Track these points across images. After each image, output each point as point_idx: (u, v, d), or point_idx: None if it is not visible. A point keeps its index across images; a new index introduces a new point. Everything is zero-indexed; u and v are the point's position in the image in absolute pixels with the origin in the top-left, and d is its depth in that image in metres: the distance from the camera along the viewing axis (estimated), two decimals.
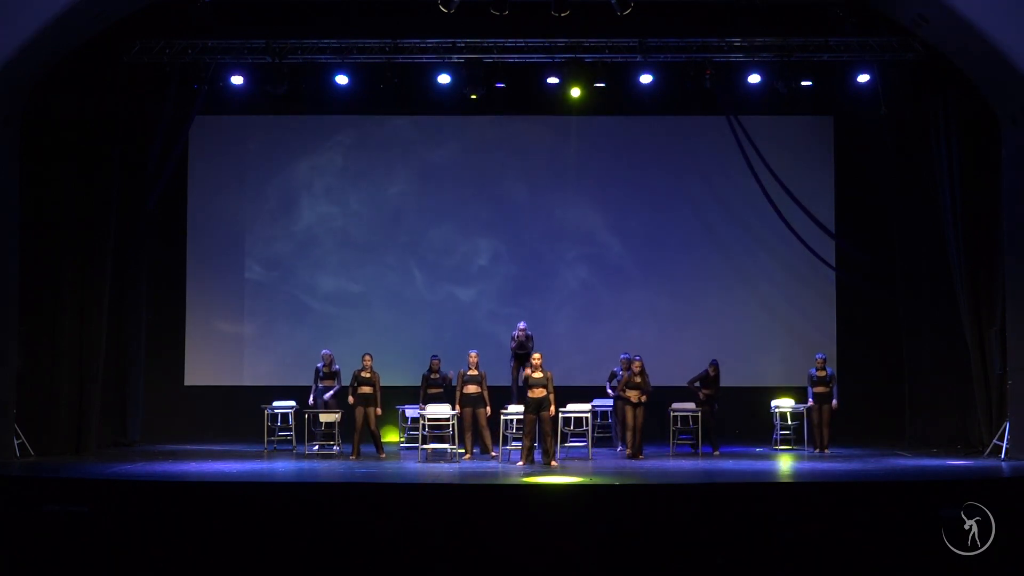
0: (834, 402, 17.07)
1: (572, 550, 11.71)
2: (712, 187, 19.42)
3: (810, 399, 17.12)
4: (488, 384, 16.20)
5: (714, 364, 17.25)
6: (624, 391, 16.28)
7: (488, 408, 16.06)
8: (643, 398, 16.15)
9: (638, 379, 16.19)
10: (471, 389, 16.02)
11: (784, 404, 17.51)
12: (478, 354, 16.25)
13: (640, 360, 16.37)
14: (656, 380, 16.57)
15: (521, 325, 17.50)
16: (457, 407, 16.01)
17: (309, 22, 17.48)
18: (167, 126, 17.69)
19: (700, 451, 16.69)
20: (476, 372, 16.08)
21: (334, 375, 17.20)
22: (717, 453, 16.76)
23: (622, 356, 17.05)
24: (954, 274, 16.94)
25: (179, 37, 17.09)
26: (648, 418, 16.31)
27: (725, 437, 17.55)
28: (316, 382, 17.22)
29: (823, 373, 17.06)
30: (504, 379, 17.37)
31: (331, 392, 17.13)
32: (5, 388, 15.40)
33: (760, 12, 16.59)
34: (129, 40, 16.98)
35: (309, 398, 17.22)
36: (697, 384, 17.18)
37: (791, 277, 19.35)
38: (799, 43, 17.17)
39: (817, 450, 16.96)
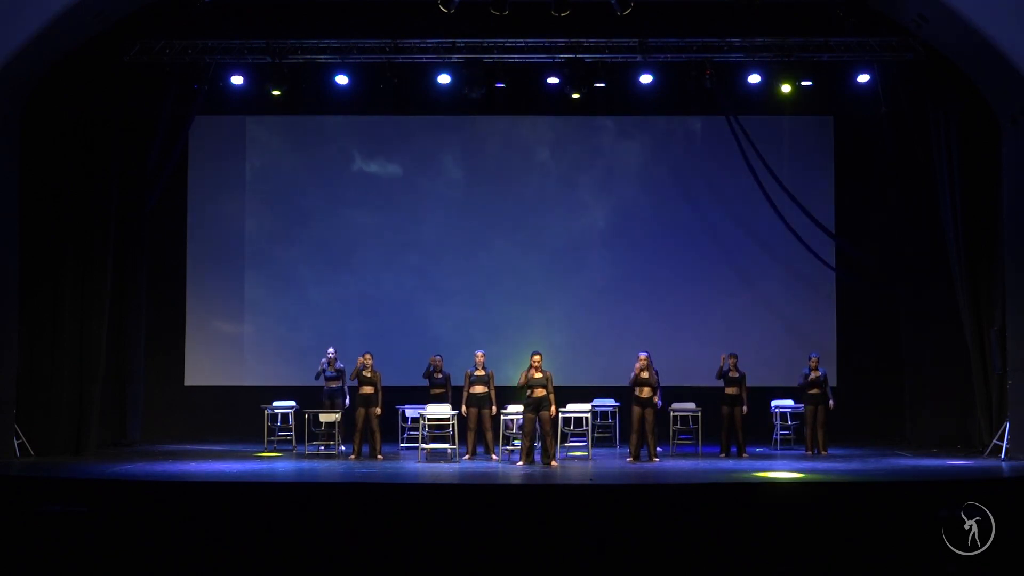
0: (831, 402, 17.04)
1: (572, 550, 11.70)
2: (712, 187, 19.42)
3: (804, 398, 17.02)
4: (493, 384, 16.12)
5: (730, 356, 16.73)
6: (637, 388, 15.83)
7: (494, 408, 16.01)
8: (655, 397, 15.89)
9: (645, 374, 15.86)
10: (478, 389, 15.93)
11: (784, 404, 17.50)
12: (484, 354, 16.19)
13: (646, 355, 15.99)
14: None
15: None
16: (463, 407, 15.99)
17: (309, 22, 17.46)
18: (167, 126, 17.73)
19: (701, 451, 16.70)
20: (483, 372, 16.00)
21: (339, 373, 17.16)
22: (745, 455, 16.48)
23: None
24: (954, 274, 16.94)
25: (179, 37, 17.09)
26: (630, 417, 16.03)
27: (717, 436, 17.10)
28: (323, 377, 17.12)
29: (817, 374, 16.98)
30: (506, 379, 17.36)
31: (344, 397, 17.05)
32: (5, 388, 15.42)
33: (760, 12, 16.58)
34: (129, 40, 16.97)
35: (318, 376, 17.06)
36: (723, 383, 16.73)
37: (791, 277, 19.35)
38: (799, 43, 17.18)
39: (811, 452, 16.84)
